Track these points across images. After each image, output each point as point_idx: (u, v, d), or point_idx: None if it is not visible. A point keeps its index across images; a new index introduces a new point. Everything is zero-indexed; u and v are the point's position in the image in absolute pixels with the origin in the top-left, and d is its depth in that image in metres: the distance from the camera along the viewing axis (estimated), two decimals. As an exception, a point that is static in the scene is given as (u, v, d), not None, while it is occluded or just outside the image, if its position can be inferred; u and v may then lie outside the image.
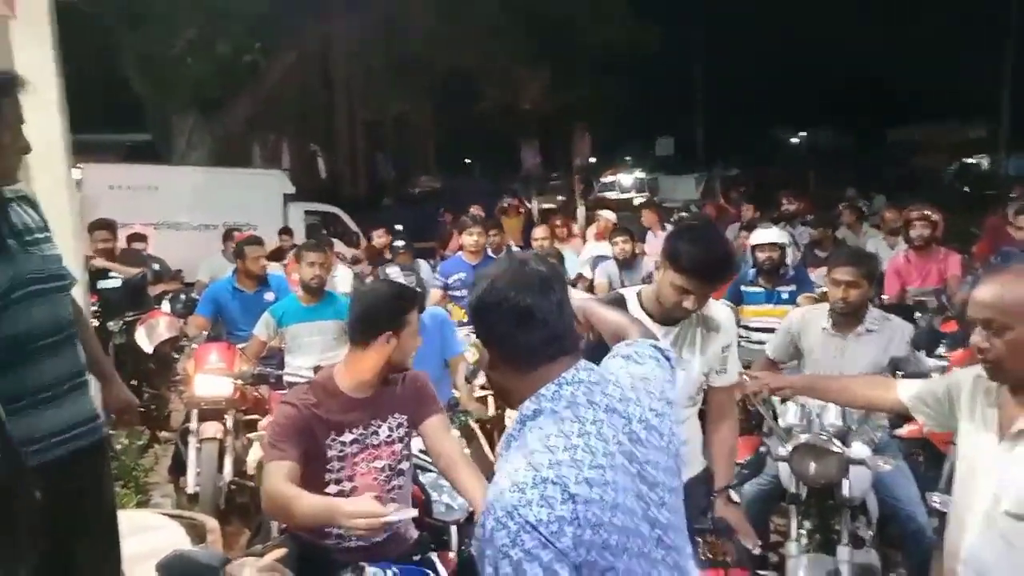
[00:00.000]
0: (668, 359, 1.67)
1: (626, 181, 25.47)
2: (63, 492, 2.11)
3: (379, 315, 2.42)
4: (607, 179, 25.57)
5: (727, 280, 2.57)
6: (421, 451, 3.30)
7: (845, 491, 2.95)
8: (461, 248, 6.22)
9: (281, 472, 2.26)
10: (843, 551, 2.92)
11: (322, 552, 2.41)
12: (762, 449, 3.01)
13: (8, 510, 1.85)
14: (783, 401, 3.28)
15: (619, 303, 2.54)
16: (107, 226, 6.41)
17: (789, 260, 5.23)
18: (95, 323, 5.64)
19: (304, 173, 15.44)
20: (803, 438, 2.94)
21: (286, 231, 9.56)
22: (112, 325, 5.64)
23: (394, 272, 4.06)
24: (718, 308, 2.70)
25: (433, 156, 19.13)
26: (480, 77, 14.82)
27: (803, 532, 3.03)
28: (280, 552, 2.20)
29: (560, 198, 19.84)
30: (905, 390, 2.31)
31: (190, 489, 4.38)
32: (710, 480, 2.69)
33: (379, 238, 8.74)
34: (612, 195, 23.31)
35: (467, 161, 22.68)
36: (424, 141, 18.15)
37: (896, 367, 3.28)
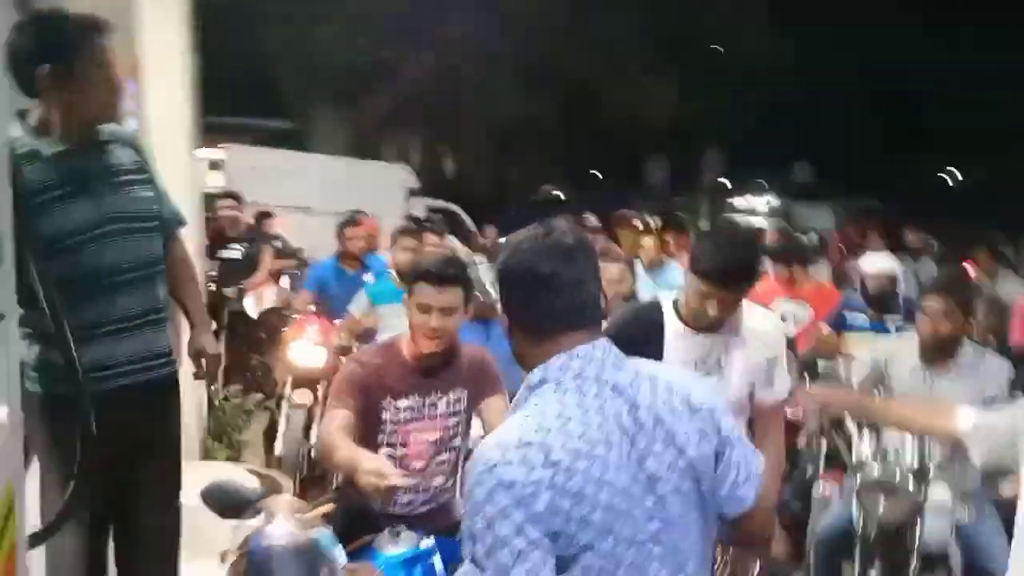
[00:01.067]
0: None
1: (757, 205, 24.75)
2: (130, 416, 2.29)
3: None
4: (736, 201, 24.98)
5: (749, 286, 2.44)
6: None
7: (918, 537, 2.77)
8: None
9: (335, 419, 2.37)
10: None
11: (369, 513, 2.50)
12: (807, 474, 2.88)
13: (73, 428, 2.05)
14: (860, 430, 3.11)
15: (655, 310, 2.54)
16: (233, 196, 6.91)
17: (901, 291, 4.95)
18: (212, 287, 6.11)
19: (430, 171, 15.95)
20: (874, 474, 2.78)
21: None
22: (228, 291, 6.05)
23: (482, 263, 4.15)
24: (764, 318, 2.62)
25: (559, 165, 19.24)
26: (608, 87, 14.79)
27: None
28: (326, 508, 2.31)
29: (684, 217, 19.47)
30: (965, 418, 2.15)
31: (277, 452, 4.64)
32: None
33: (488, 235, 8.94)
34: (741, 219, 22.72)
35: (593, 172, 22.64)
36: (550, 150, 18.29)
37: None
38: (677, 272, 7.33)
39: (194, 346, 2.60)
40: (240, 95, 15.09)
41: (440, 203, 12.66)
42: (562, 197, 17.90)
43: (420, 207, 12.02)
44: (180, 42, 4.26)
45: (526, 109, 14.79)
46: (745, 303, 2.53)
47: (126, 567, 2.47)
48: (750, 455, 1.55)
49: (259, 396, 5.43)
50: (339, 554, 1.82)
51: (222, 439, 4.75)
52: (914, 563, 2.78)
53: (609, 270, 4.82)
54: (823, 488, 3.37)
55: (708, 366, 2.48)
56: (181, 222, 2.62)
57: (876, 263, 4.86)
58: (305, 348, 4.80)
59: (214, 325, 5.88)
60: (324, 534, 1.85)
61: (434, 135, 16.88)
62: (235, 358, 5.97)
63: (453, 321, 2.50)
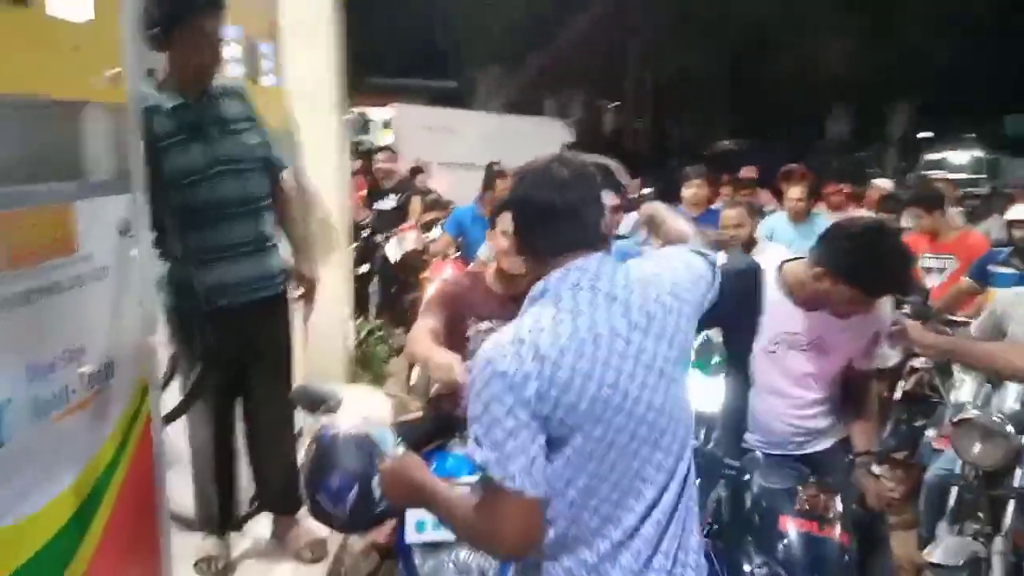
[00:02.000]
0: (712, 264, 1.73)
1: (958, 160, 22.48)
2: (243, 326, 2.72)
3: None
4: (933, 157, 22.84)
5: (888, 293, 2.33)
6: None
7: (1016, 481, 2.65)
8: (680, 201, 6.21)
9: (424, 325, 2.60)
10: (999, 542, 2.66)
11: (451, 423, 2.77)
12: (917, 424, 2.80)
13: (194, 334, 2.47)
14: (962, 376, 2.97)
15: (753, 273, 2.42)
16: (389, 149, 7.46)
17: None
18: (366, 233, 6.66)
19: (591, 126, 15.98)
20: (969, 414, 2.67)
21: None
22: (379, 238, 6.57)
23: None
24: None
25: (728, 119, 18.54)
26: (782, 34, 14.01)
27: (960, 516, 2.78)
28: (413, 415, 2.59)
29: (872, 172, 18.18)
30: None
31: (411, 381, 5.06)
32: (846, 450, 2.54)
33: (635, 189, 8.89)
34: (938, 174, 20.80)
35: (765, 127, 21.63)
36: (718, 103, 17.66)
37: None
38: (825, 224, 7.02)
39: (296, 271, 3.00)
40: (413, 59, 15.90)
41: (596, 158, 12.73)
42: (734, 149, 17.33)
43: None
44: (326, 10, 4.64)
45: (693, 60, 14.38)
46: None
47: (250, 435, 2.96)
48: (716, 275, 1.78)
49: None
50: (391, 447, 2.06)
51: (367, 367, 5.26)
52: (1011, 507, 2.67)
53: (727, 215, 4.76)
54: (933, 437, 3.26)
55: (810, 344, 2.37)
56: (285, 166, 3.00)
57: (1020, 212, 4.47)
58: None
59: (365, 267, 6.51)
60: (382, 430, 2.09)
61: (597, 90, 16.85)
62: (384, 297, 6.51)
63: None
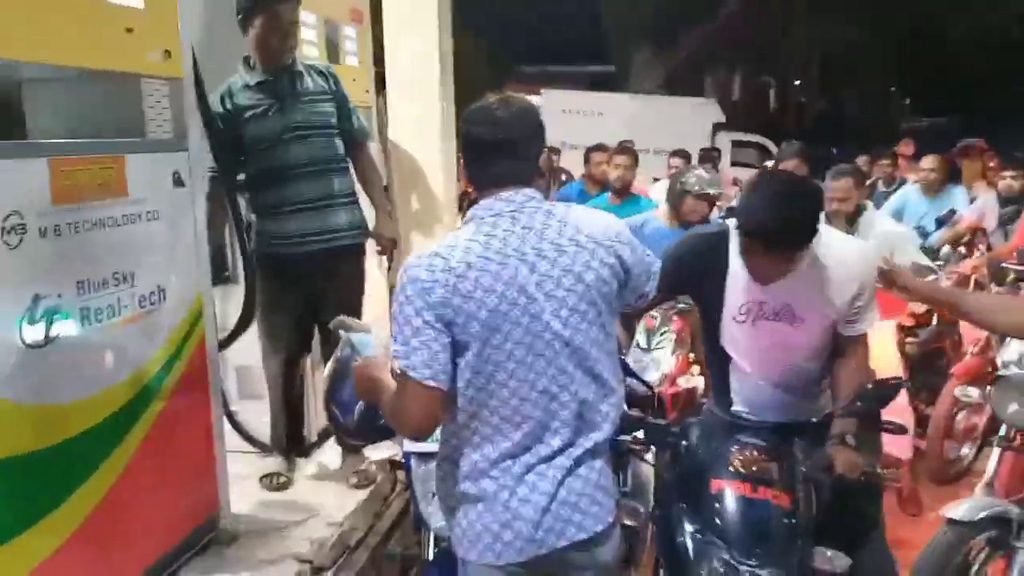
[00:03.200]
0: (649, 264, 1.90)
1: None
2: (311, 273, 3.10)
3: None
4: None
5: (800, 248, 2.02)
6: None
7: None
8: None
9: None
10: None
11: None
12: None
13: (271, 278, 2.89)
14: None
15: (716, 243, 2.25)
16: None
17: None
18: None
19: (753, 105, 15.40)
20: (1009, 372, 2.52)
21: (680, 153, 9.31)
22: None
23: None
24: (844, 250, 2.22)
25: (898, 95, 17.14)
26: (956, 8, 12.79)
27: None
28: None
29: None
30: None
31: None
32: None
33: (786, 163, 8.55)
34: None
35: (941, 101, 19.71)
36: (887, 78, 16.36)
37: None
38: (962, 197, 6.50)
39: (376, 230, 3.33)
40: (568, 45, 16.13)
41: (746, 136, 12.39)
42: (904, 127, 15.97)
43: (725, 141, 11.93)
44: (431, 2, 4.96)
45: (856, 36, 13.49)
46: (824, 230, 2.14)
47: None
48: (651, 265, 1.89)
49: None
50: (368, 350, 2.20)
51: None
52: None
53: (831, 186, 4.56)
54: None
55: (776, 315, 2.20)
56: (367, 135, 3.36)
57: None
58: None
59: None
60: (363, 337, 2.23)
61: (757, 69, 16.21)
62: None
63: None
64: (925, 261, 3.40)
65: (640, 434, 2.25)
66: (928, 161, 6.03)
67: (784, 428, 2.25)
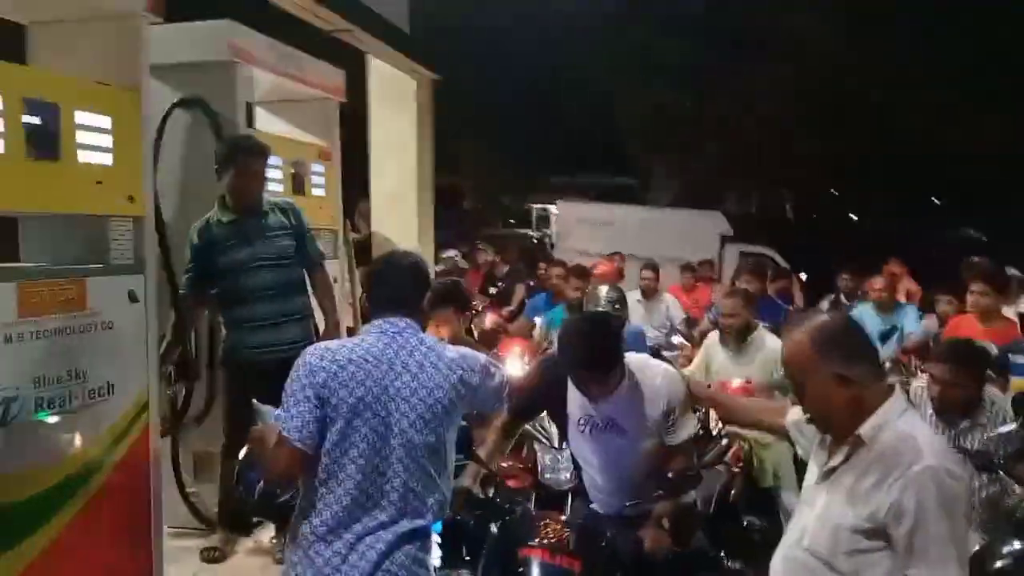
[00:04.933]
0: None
1: None
2: (264, 378, 3.60)
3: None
4: None
5: (610, 370, 2.63)
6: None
7: None
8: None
9: None
10: None
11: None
12: None
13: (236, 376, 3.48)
14: None
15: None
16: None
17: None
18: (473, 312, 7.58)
19: (769, 214, 15.91)
20: None
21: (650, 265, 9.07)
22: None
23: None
24: (652, 374, 2.74)
25: (894, 197, 17.47)
26: (938, 117, 13.30)
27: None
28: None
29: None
30: (791, 415, 2.35)
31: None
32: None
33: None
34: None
35: (936, 203, 19.80)
36: (880, 183, 16.74)
37: None
38: (912, 317, 6.75)
39: (324, 336, 3.91)
40: (591, 157, 17.08)
41: (753, 247, 12.78)
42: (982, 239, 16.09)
43: (733, 252, 12.36)
44: (410, 130, 5.78)
45: (841, 145, 14.08)
46: (634, 359, 2.73)
47: None
48: (492, 389, 2.37)
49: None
50: (268, 419, 2.42)
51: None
52: None
53: (723, 303, 4.94)
54: None
55: (606, 427, 2.72)
56: (323, 256, 4.02)
57: None
58: (508, 361, 5.89)
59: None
60: (267, 408, 2.64)
61: (769, 179, 16.79)
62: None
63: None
64: None
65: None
66: (878, 281, 6.37)
67: (629, 518, 2.75)
